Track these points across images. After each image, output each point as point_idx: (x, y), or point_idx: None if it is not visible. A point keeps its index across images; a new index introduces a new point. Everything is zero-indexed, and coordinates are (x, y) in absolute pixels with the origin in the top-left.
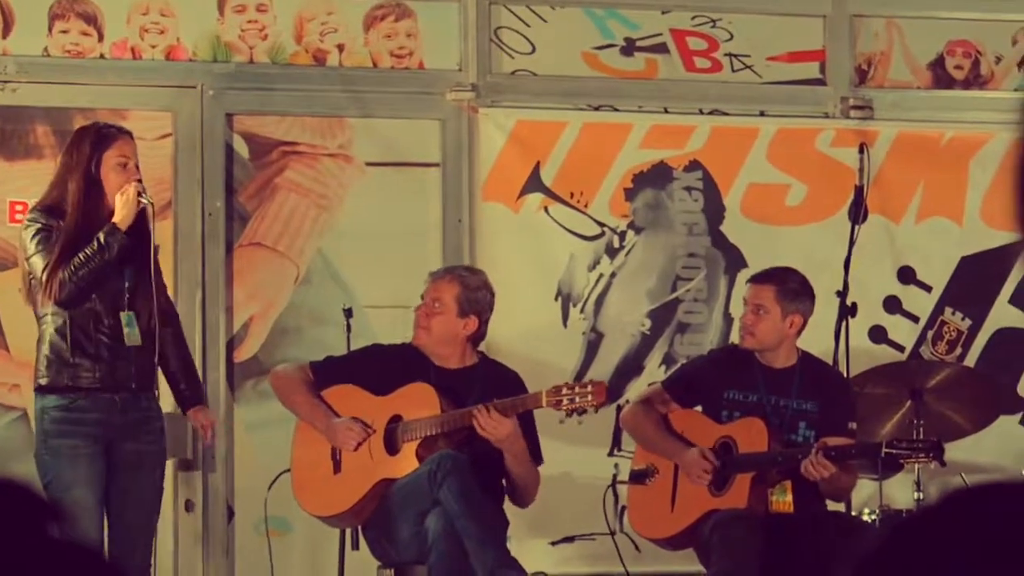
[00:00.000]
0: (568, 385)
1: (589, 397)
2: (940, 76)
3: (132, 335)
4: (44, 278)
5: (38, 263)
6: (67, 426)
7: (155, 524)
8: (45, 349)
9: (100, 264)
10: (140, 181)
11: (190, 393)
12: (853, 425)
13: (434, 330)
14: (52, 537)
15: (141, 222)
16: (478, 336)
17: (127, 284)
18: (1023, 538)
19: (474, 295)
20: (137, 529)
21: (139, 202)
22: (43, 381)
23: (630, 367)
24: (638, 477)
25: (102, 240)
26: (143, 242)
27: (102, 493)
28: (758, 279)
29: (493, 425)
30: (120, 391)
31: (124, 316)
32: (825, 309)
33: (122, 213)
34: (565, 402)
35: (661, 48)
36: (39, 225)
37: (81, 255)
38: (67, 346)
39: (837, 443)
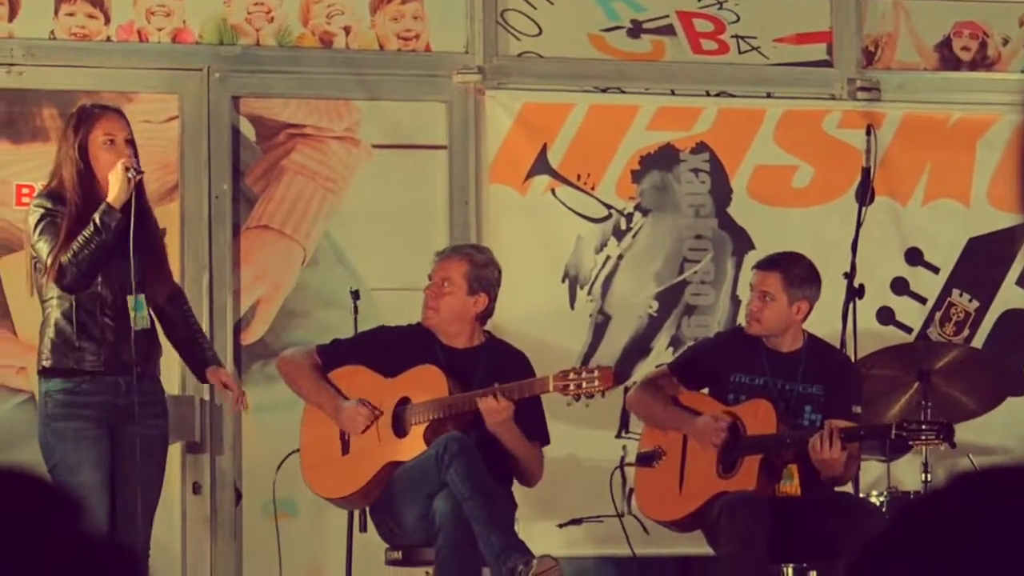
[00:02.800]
0: (575, 370)
1: (596, 382)
2: (947, 58)
3: (140, 318)
4: (48, 263)
5: (43, 248)
6: (71, 409)
7: (155, 506)
8: (50, 332)
9: (99, 245)
10: (133, 156)
11: (204, 354)
12: (858, 409)
13: (443, 310)
14: (81, 532)
15: (141, 200)
16: (486, 314)
17: (134, 266)
18: None
19: (482, 272)
20: (138, 511)
21: (128, 177)
22: (47, 364)
23: (637, 349)
24: (645, 459)
25: (98, 221)
26: (147, 221)
27: (108, 475)
28: (764, 265)
29: (496, 410)
30: (124, 373)
31: (131, 299)
32: (832, 291)
33: (114, 191)
34: (572, 387)
35: (668, 30)
36: (43, 211)
37: (80, 238)
38: (72, 329)
39: (846, 426)
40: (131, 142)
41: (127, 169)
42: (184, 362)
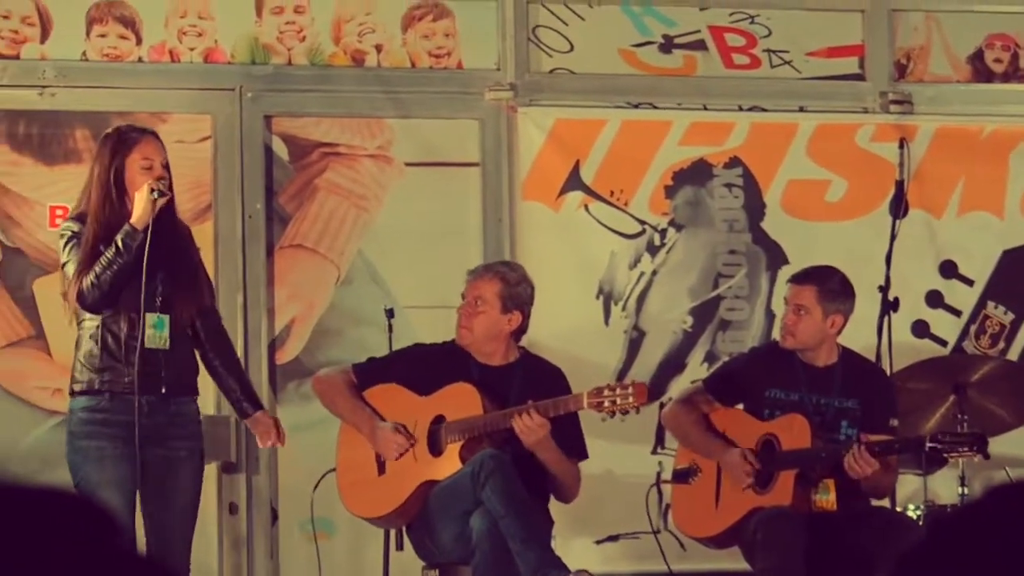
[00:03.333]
0: (609, 386)
1: (630, 398)
2: (979, 70)
3: (155, 337)
4: (72, 284)
5: (70, 271)
6: (92, 427)
7: (192, 529)
8: (80, 353)
9: (121, 267)
10: (161, 179)
11: (245, 400)
12: (895, 422)
13: (477, 329)
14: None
15: (170, 220)
16: (521, 331)
17: (159, 288)
18: None
19: (515, 290)
20: (173, 534)
21: (152, 199)
22: (77, 387)
23: (672, 365)
24: (681, 476)
25: (119, 242)
26: (174, 240)
27: (131, 495)
28: (798, 279)
29: (532, 428)
30: (150, 393)
31: (151, 318)
32: (867, 304)
33: (137, 212)
34: (606, 403)
35: (699, 45)
36: (71, 233)
37: (102, 259)
38: (98, 350)
39: (879, 439)
40: (167, 166)
41: (152, 191)
42: (228, 402)
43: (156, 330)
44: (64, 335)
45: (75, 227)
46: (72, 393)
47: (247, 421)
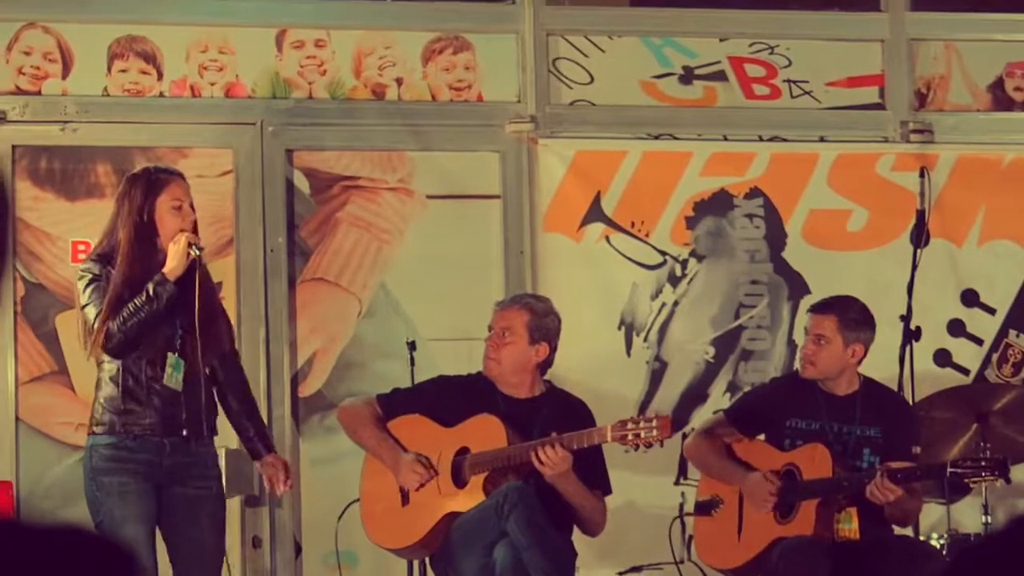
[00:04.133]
0: (633, 419)
1: (654, 431)
2: (999, 98)
3: (172, 377)
4: (96, 328)
5: (91, 313)
6: (115, 463)
7: (219, 568)
8: (100, 395)
9: (149, 314)
10: (195, 231)
11: (258, 441)
12: (917, 449)
13: (505, 360)
14: None
15: (192, 270)
16: (547, 363)
17: (179, 331)
18: None
19: (543, 321)
20: (201, 571)
21: (189, 253)
22: (98, 429)
23: (694, 395)
24: (704, 508)
25: (151, 291)
26: (194, 289)
27: (154, 531)
28: (819, 309)
29: (554, 461)
30: (170, 435)
31: (171, 358)
32: (889, 333)
33: (172, 263)
34: (630, 436)
35: (719, 76)
36: (92, 275)
37: (131, 305)
38: (119, 392)
39: (901, 466)
40: (193, 207)
41: (190, 245)
42: (241, 442)
43: (174, 371)
44: (87, 370)
45: (96, 269)
46: (93, 433)
47: (257, 463)
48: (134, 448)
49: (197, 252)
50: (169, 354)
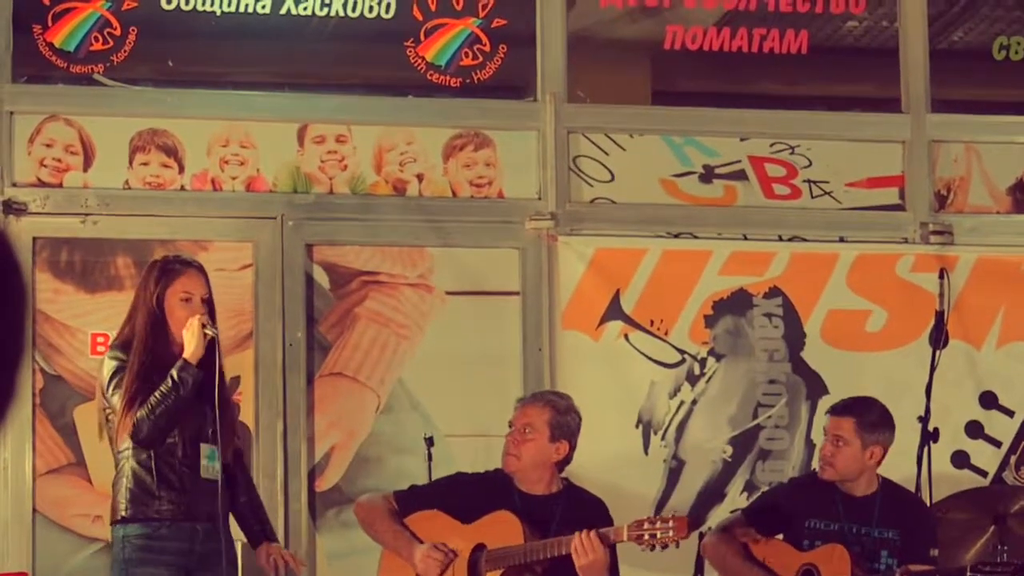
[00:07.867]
0: (650, 519)
1: (671, 532)
2: (1020, 201)
3: (210, 468)
4: (122, 416)
5: (117, 401)
6: (149, 554)
7: None
8: (127, 482)
9: (176, 401)
10: (207, 313)
11: (260, 529)
12: (935, 552)
13: (525, 456)
14: None
15: (212, 353)
16: (566, 461)
17: (208, 420)
18: None
19: (564, 419)
20: None
21: (204, 334)
22: (125, 513)
23: (712, 494)
24: None
25: (176, 377)
26: (214, 373)
27: None
28: (837, 410)
29: (588, 548)
30: (200, 521)
31: (206, 448)
32: (907, 434)
33: (191, 348)
34: (647, 536)
35: (740, 175)
36: (117, 363)
37: (157, 393)
38: (152, 479)
39: (920, 570)
40: (208, 301)
41: (203, 325)
42: (241, 529)
43: (209, 461)
44: (104, 462)
45: (122, 355)
46: (121, 521)
47: (257, 549)
48: (167, 536)
49: (213, 332)
50: (203, 445)
